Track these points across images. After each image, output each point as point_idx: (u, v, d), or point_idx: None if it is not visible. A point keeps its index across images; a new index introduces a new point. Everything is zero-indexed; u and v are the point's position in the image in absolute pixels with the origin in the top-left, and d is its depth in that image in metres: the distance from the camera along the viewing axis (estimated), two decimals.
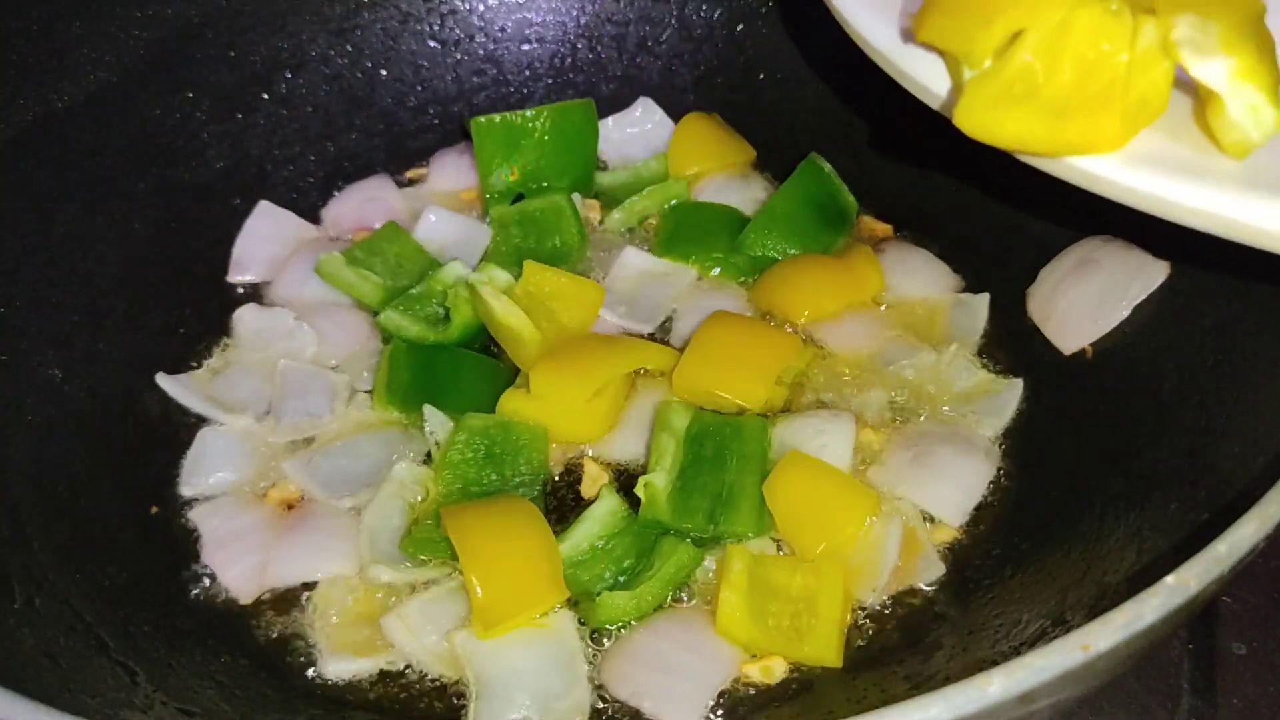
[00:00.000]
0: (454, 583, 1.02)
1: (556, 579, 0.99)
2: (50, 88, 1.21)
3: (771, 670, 0.98)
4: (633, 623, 1.00)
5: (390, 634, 1.00)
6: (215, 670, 0.99)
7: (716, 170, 1.40)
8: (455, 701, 0.98)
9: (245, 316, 1.27)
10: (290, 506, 1.12)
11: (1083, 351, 1.15)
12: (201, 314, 1.28)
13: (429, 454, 1.14)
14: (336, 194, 1.42)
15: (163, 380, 1.19)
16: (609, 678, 0.97)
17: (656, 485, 1.05)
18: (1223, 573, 0.66)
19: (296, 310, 1.28)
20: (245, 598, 1.06)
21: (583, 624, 1.01)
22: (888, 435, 1.14)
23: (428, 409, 1.15)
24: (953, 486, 1.09)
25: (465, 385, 1.19)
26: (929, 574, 1.05)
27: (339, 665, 1.01)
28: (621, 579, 1.03)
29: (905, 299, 1.27)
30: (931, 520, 1.08)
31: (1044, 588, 0.97)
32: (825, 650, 0.97)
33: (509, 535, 1.00)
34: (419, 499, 1.10)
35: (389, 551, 1.06)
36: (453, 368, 1.20)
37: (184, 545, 1.10)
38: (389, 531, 1.07)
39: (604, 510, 1.05)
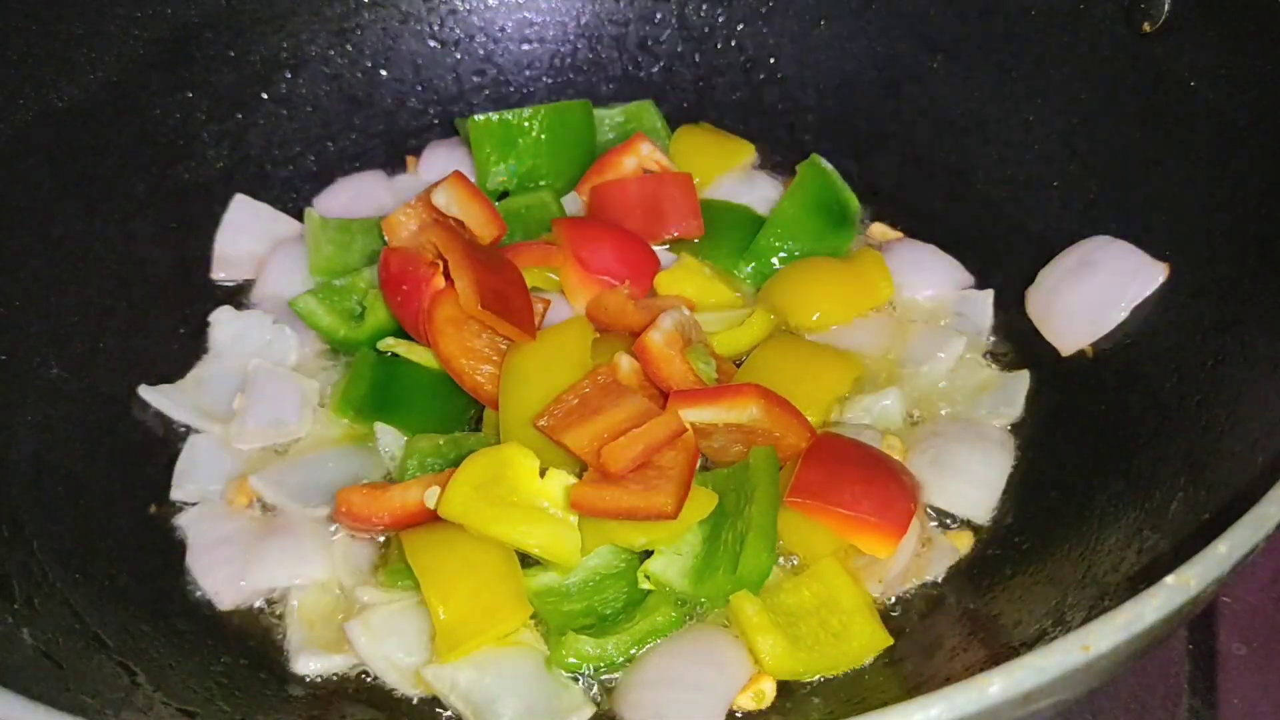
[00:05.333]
0: (421, 597, 1.00)
1: (519, 597, 0.97)
2: (50, 88, 1.21)
3: (764, 695, 0.97)
4: (634, 653, 0.98)
5: (352, 638, 0.99)
6: (215, 670, 0.99)
7: (721, 173, 1.39)
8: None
9: (222, 320, 1.24)
10: (260, 509, 1.11)
11: (1083, 351, 1.15)
12: (201, 314, 1.27)
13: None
14: (327, 188, 1.41)
15: (145, 392, 1.18)
16: (624, 707, 0.96)
17: (657, 573, 1.00)
18: (1223, 573, 0.66)
19: (283, 310, 1.25)
20: (226, 604, 1.06)
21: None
22: (903, 438, 1.13)
23: (379, 427, 1.13)
24: (973, 484, 1.09)
25: (422, 403, 1.15)
26: (945, 562, 1.05)
27: (308, 661, 1.01)
28: (602, 622, 1.00)
29: (914, 297, 1.26)
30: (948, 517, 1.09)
31: (1044, 588, 0.97)
32: (872, 638, 0.97)
33: (467, 557, 0.97)
34: None
35: (366, 572, 1.05)
36: (412, 384, 1.16)
37: (182, 546, 1.10)
38: (363, 554, 1.06)
39: (607, 549, 1.01)
